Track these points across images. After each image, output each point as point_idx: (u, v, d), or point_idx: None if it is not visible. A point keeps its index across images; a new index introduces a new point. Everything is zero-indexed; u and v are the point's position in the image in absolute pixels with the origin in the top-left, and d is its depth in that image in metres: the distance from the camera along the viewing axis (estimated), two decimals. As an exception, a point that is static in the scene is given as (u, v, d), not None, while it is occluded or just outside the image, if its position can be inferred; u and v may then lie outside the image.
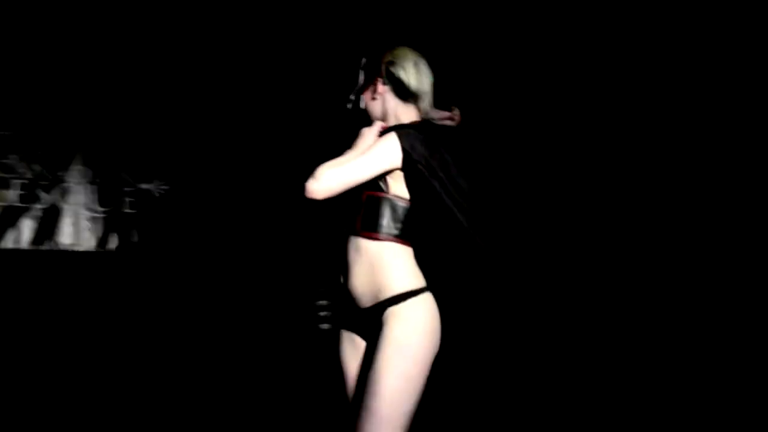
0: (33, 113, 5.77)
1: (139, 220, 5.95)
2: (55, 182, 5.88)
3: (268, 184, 5.78)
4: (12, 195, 5.77)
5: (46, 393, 5.03)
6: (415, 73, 2.58)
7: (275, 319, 5.81)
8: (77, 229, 5.88)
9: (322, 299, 5.77)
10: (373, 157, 2.44)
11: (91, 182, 5.95)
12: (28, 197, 5.80)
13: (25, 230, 5.76)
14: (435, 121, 2.69)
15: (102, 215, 5.93)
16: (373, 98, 2.64)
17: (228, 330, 5.67)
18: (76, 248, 5.83)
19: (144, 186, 5.98)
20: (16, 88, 5.66)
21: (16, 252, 5.72)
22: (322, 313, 5.75)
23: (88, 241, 5.87)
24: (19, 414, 4.66)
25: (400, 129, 2.51)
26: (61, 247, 5.83)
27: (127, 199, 5.91)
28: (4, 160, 5.78)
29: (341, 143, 2.61)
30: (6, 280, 5.60)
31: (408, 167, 2.45)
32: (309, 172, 2.42)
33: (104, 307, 5.57)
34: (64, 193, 5.89)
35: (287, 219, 5.77)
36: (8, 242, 5.71)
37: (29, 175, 5.83)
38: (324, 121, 5.74)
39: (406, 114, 2.61)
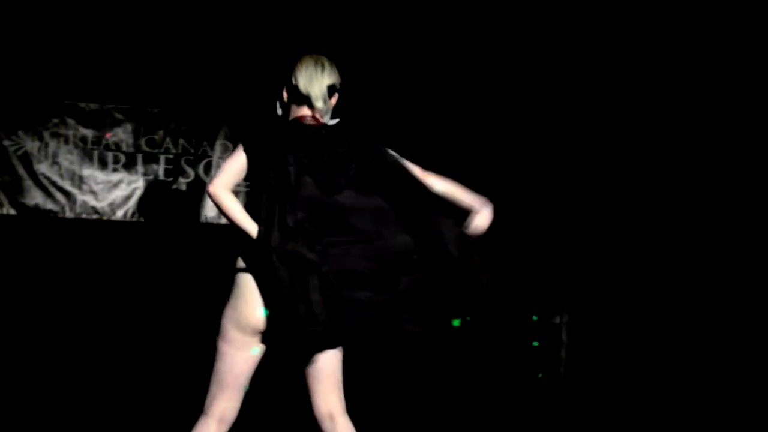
0: (180, 90, 5.95)
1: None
2: (199, 157, 6.05)
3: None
4: (158, 169, 5.98)
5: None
6: (304, 79, 2.74)
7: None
8: (220, 203, 6.01)
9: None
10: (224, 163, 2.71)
11: (234, 156, 6.08)
12: (174, 171, 5.99)
13: (170, 204, 5.94)
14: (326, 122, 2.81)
15: (245, 188, 6.05)
16: (282, 104, 2.84)
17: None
18: (220, 221, 5.98)
19: (284, 160, 6.06)
20: (165, 67, 5.84)
21: (162, 224, 5.90)
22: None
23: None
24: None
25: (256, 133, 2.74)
26: (205, 220, 5.99)
27: (268, 173, 6.01)
28: (152, 136, 5.98)
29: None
30: (151, 251, 5.80)
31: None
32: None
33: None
34: (208, 167, 6.05)
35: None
36: (154, 215, 5.91)
37: (175, 150, 6.01)
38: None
39: (301, 113, 2.77)
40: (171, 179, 5.98)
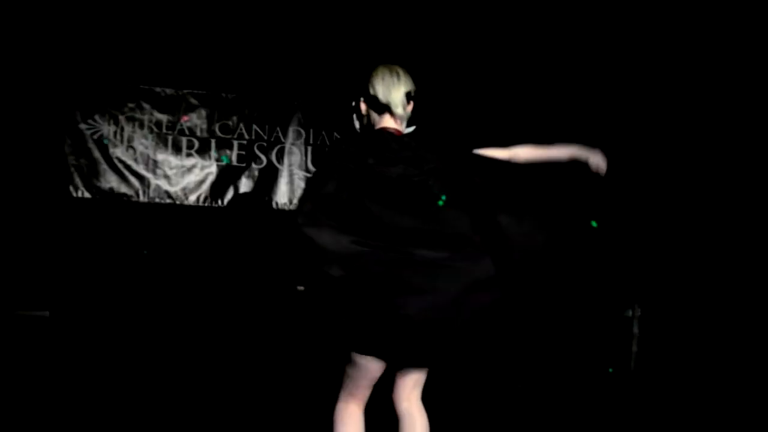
0: (254, 77, 6.01)
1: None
2: (272, 143, 6.11)
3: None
4: (231, 155, 6.04)
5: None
6: (382, 87, 2.84)
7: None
8: (292, 188, 6.09)
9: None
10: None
11: (306, 143, 6.14)
12: (246, 157, 6.05)
13: (242, 189, 6.01)
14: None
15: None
16: (361, 116, 2.91)
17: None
18: (291, 207, 6.03)
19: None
20: (240, 53, 5.90)
21: (234, 210, 5.96)
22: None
23: (301, 201, 6.04)
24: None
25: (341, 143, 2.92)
26: (276, 207, 6.04)
27: (340, 161, 6.04)
28: (226, 121, 6.05)
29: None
30: (222, 236, 5.86)
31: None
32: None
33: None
34: (281, 153, 6.11)
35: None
36: (226, 200, 5.97)
37: (248, 136, 6.08)
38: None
39: (384, 123, 2.85)
40: (244, 165, 6.05)
